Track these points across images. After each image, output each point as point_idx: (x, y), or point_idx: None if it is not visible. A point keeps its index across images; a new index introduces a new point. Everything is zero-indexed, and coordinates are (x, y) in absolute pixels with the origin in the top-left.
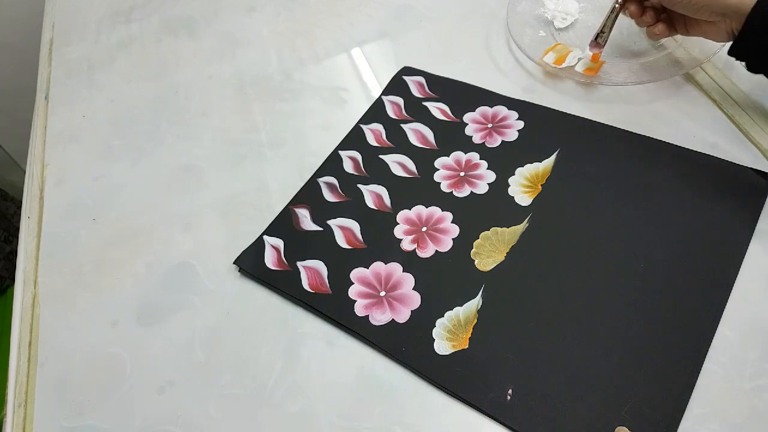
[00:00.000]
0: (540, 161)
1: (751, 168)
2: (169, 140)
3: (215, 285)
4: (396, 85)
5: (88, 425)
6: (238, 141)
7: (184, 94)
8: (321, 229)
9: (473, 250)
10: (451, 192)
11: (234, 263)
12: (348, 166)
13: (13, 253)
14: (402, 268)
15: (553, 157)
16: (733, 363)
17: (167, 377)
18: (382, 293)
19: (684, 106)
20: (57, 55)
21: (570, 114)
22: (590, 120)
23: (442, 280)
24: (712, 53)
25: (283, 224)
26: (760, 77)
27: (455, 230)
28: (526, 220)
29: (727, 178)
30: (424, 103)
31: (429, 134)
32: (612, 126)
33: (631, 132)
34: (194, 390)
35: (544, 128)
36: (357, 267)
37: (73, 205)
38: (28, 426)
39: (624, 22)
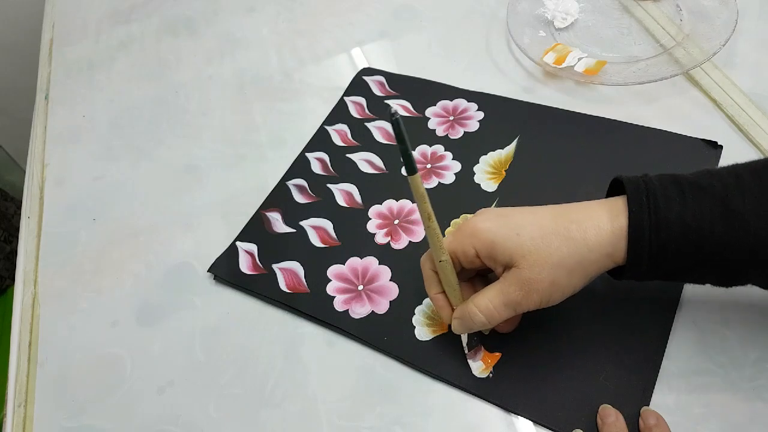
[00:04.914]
0: (502, 148)
1: (701, 138)
2: (169, 140)
3: (215, 285)
4: (357, 86)
5: (88, 425)
6: (238, 141)
7: (184, 94)
8: (294, 230)
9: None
10: None
11: (208, 271)
12: (316, 167)
13: (13, 253)
14: (378, 261)
15: (513, 144)
16: (733, 363)
17: (167, 377)
18: (360, 287)
19: (684, 106)
20: (57, 55)
21: (527, 102)
22: (547, 106)
23: (418, 269)
24: (712, 53)
25: (255, 229)
26: (761, 77)
27: None
28: (494, 204)
29: (680, 150)
30: (387, 101)
31: None
32: (567, 110)
33: (586, 114)
34: (194, 390)
35: (504, 117)
36: (333, 264)
37: (73, 205)
38: (28, 426)
39: (624, 21)
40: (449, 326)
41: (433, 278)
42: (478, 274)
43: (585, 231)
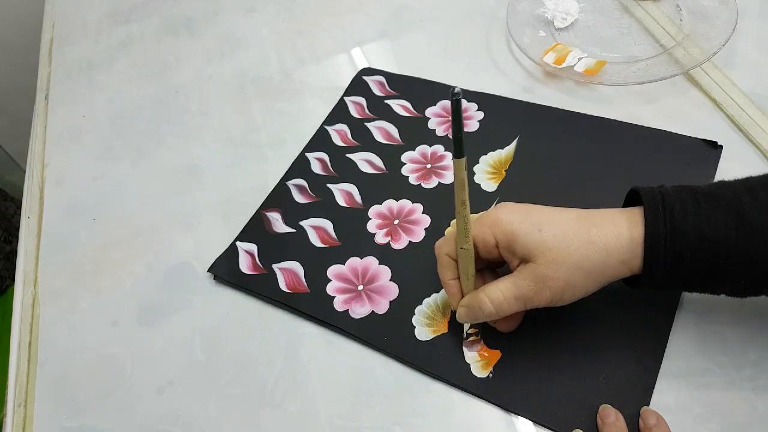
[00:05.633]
0: (502, 148)
1: (701, 138)
2: (169, 140)
3: (215, 285)
4: (357, 86)
5: (88, 425)
6: (238, 141)
7: (184, 94)
8: (294, 230)
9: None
10: (420, 184)
11: (208, 271)
12: (316, 167)
13: (13, 253)
14: (378, 261)
15: (514, 144)
16: (733, 363)
17: (167, 377)
18: (360, 287)
19: (684, 106)
20: (57, 55)
21: (527, 102)
22: (547, 106)
23: (418, 269)
24: (712, 53)
25: (254, 229)
26: (761, 77)
27: (426, 221)
28: (493, 204)
29: (680, 150)
30: (386, 101)
31: (393, 131)
32: (567, 110)
33: (586, 114)
34: (194, 390)
35: (504, 117)
36: (333, 264)
37: (73, 205)
38: (28, 426)
39: (624, 21)
40: (449, 326)
41: (449, 264)
42: (488, 267)
43: (606, 236)
